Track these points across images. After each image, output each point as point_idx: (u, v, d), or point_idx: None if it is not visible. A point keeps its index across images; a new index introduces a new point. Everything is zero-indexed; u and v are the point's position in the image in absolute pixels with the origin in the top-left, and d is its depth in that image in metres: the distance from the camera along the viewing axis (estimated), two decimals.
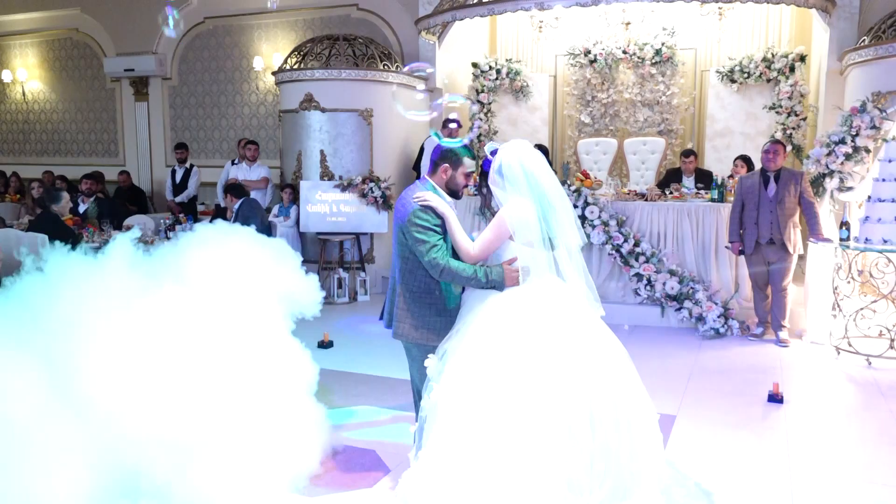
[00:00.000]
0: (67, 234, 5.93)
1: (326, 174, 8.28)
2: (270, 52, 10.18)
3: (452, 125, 8.38)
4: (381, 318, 3.45)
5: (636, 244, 6.83)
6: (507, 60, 9.67)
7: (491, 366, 2.80)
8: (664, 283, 6.70)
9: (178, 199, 9.43)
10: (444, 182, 3.21)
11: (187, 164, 9.54)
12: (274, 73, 8.86)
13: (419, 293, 3.16)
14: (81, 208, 8.02)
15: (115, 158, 11.45)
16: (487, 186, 3.15)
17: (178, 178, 9.48)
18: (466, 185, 3.27)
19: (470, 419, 2.74)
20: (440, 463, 2.74)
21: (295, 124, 8.43)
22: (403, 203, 3.14)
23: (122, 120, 11.36)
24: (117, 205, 9.02)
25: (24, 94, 12.00)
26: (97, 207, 7.93)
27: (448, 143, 3.26)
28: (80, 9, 11.22)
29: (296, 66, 8.47)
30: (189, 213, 9.26)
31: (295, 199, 8.22)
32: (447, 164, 3.19)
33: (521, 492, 2.64)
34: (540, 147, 8.57)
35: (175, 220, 7.64)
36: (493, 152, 3.14)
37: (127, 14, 10.80)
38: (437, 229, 3.05)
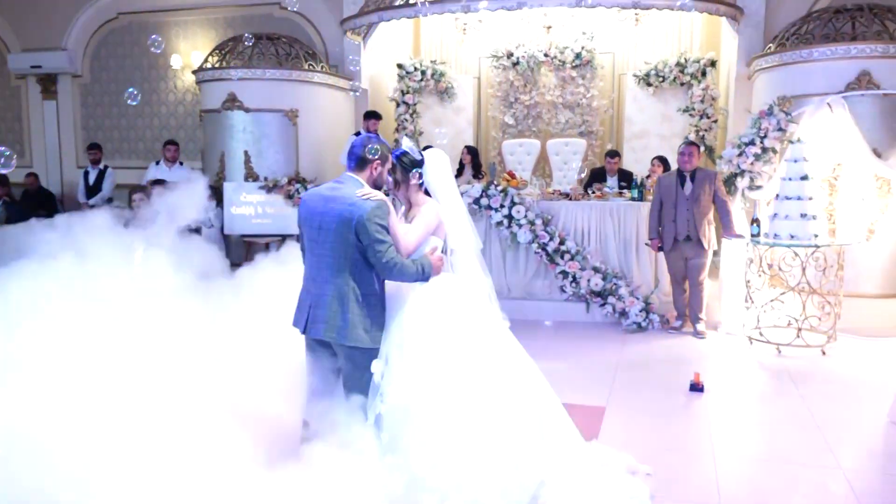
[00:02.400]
0: None
1: (251, 175, 8.14)
2: (189, 49, 9.91)
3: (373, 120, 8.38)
4: (304, 330, 3.16)
5: (561, 242, 7.01)
6: (431, 62, 9.74)
7: (449, 360, 3.01)
8: (588, 280, 6.90)
9: (91, 202, 9.03)
10: (374, 179, 3.17)
11: (101, 166, 9.16)
12: (194, 72, 8.64)
13: (369, 295, 3.07)
14: None
15: (21, 159, 10.86)
16: (406, 178, 3.24)
17: (92, 179, 9.09)
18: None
19: (449, 414, 2.94)
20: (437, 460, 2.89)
21: (217, 124, 8.25)
22: (350, 202, 3.01)
23: (28, 119, 10.81)
24: (26, 208, 8.58)
25: None
26: (5, 211, 7.53)
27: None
28: None
29: (217, 65, 8.29)
30: None
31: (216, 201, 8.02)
32: (379, 161, 3.16)
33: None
34: (470, 149, 8.74)
35: None
36: (417, 152, 3.31)
37: (32, 8, 10.29)
38: (388, 227, 3.03)
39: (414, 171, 3.23)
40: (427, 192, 3.30)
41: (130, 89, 4.20)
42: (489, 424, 2.96)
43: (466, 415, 2.94)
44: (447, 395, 2.94)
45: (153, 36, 4.03)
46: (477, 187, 7.28)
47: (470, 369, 3.01)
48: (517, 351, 3.26)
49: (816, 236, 5.91)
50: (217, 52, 8.47)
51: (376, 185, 3.18)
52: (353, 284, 3.04)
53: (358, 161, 3.14)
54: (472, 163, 8.70)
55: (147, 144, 10.20)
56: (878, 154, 6.30)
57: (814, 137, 6.36)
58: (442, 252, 3.25)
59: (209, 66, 8.38)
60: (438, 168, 3.28)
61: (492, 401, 3.00)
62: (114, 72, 10.34)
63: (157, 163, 8.53)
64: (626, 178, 8.06)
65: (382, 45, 9.36)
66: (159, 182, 6.87)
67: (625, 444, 3.88)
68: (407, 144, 3.29)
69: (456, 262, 3.31)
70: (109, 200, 9.23)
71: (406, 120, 9.61)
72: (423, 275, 3.08)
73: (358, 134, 8.21)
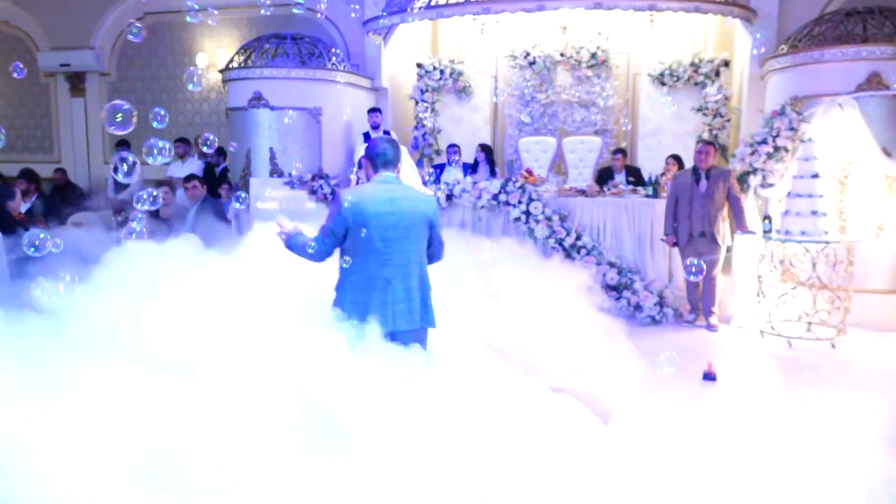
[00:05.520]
0: (18, 231, 5.88)
1: (276, 172, 8.39)
2: (213, 49, 10.17)
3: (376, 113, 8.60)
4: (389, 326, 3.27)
5: (578, 238, 7.22)
6: (450, 61, 9.96)
7: None
8: (604, 275, 7.10)
9: (121, 197, 9.33)
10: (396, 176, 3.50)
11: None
12: (221, 71, 8.89)
13: (428, 279, 3.43)
14: (24, 207, 7.87)
15: (50, 155, 11.18)
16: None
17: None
18: None
19: None
20: None
21: (243, 122, 8.49)
22: (422, 199, 3.37)
23: (56, 116, 11.12)
24: (57, 203, 8.87)
25: None
26: (42, 205, 7.82)
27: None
28: (11, 0, 10.92)
29: (243, 65, 8.54)
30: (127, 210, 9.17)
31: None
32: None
33: None
34: (483, 146, 8.91)
35: (127, 217, 7.61)
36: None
37: (61, 7, 10.57)
38: None
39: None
40: None
41: (157, 110, 4.07)
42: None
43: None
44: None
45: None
46: (495, 183, 7.49)
47: None
48: None
49: (827, 233, 6.09)
50: (242, 51, 8.72)
51: None
52: (426, 272, 3.37)
53: (394, 163, 3.38)
54: (487, 160, 8.79)
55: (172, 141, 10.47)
56: (887, 153, 6.47)
57: (825, 137, 6.55)
58: None
59: (235, 65, 8.63)
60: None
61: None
62: (140, 70, 10.62)
63: (182, 156, 8.83)
64: (633, 174, 8.27)
65: (402, 44, 9.59)
66: (193, 177, 7.15)
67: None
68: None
69: None
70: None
71: (425, 118, 9.83)
72: None
73: (367, 135, 8.43)
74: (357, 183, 3.69)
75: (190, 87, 3.67)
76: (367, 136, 8.49)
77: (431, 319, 3.39)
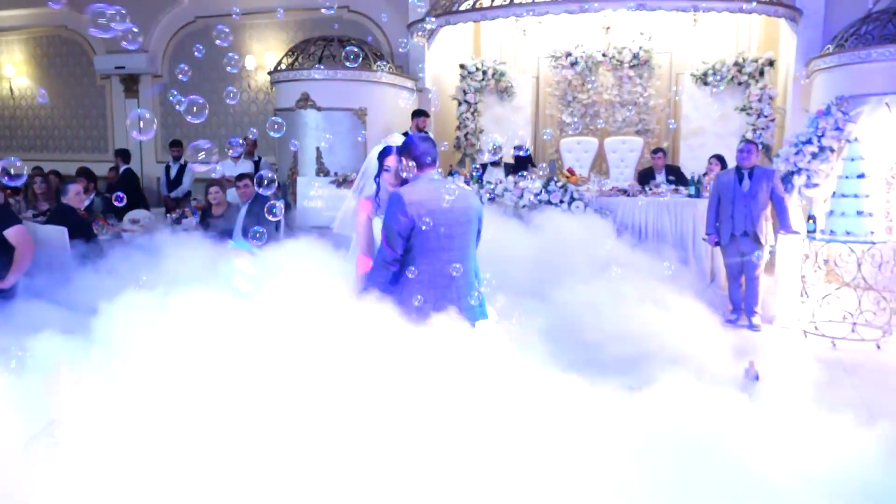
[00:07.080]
0: (83, 227, 6.18)
1: (322, 171, 8.60)
2: (262, 51, 10.44)
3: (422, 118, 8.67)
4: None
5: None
6: (492, 62, 10.07)
7: None
8: None
9: (173, 195, 9.67)
10: None
11: (182, 161, 9.77)
12: (270, 73, 9.14)
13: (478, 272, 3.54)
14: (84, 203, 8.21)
15: (105, 154, 11.59)
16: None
17: (173, 174, 9.71)
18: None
19: None
20: None
21: (291, 123, 8.72)
22: (471, 193, 3.49)
23: (111, 116, 11.53)
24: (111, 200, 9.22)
25: (11, 90, 12.08)
26: (102, 202, 8.16)
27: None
28: (69, 6, 11.34)
29: (291, 67, 8.77)
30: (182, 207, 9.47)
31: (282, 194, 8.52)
32: None
33: None
34: (520, 148, 8.94)
35: (182, 214, 7.90)
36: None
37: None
38: None
39: None
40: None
41: (229, 88, 4.19)
42: None
43: None
44: None
45: (230, 54, 4.03)
46: (537, 183, 7.58)
47: None
48: None
49: (873, 233, 6.06)
50: (291, 54, 8.95)
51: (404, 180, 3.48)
52: (474, 268, 3.45)
53: (436, 160, 3.40)
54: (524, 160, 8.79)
55: (221, 141, 10.76)
56: None
57: (871, 137, 6.51)
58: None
59: (283, 67, 8.87)
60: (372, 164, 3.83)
61: None
62: (191, 72, 10.92)
63: (238, 156, 9.11)
64: (673, 173, 8.28)
65: (444, 45, 9.72)
66: (246, 176, 7.39)
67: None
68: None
69: None
70: (188, 193, 9.85)
71: (467, 119, 9.96)
72: None
73: (406, 134, 8.53)
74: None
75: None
76: (406, 135, 8.61)
77: (485, 311, 3.45)
